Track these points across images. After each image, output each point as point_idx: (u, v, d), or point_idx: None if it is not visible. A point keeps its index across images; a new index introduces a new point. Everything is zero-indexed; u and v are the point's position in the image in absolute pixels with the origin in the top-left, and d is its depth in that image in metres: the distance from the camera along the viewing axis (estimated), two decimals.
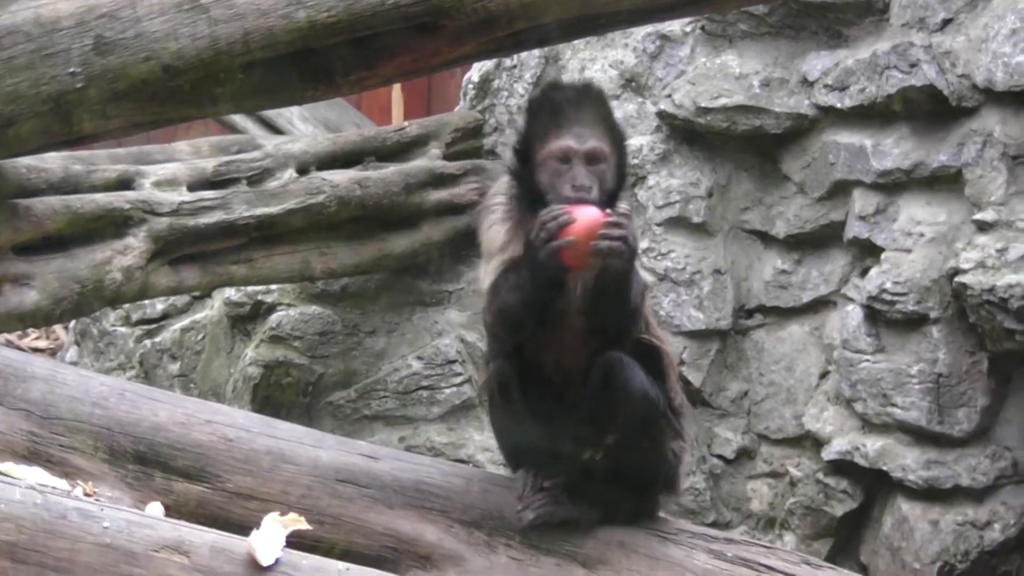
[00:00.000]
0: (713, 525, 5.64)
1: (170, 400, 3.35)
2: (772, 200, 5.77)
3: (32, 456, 3.18)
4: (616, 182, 3.30)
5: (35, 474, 3.11)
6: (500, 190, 3.42)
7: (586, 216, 3.15)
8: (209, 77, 3.81)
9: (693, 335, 5.75)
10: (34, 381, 3.27)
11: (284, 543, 2.98)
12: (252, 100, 4.07)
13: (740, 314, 5.81)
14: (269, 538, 2.99)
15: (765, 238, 5.80)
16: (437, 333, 6.04)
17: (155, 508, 3.19)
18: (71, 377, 3.32)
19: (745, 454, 5.80)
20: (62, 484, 3.12)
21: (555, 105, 3.30)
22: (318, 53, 3.81)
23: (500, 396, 3.36)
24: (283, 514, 3.11)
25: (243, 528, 3.09)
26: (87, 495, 3.10)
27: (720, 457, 5.80)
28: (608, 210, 3.17)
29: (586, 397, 3.26)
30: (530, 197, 3.30)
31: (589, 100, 3.31)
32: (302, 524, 3.10)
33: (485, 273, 3.34)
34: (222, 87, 3.84)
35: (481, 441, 5.88)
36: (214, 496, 3.26)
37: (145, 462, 3.24)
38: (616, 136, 3.31)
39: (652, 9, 3.73)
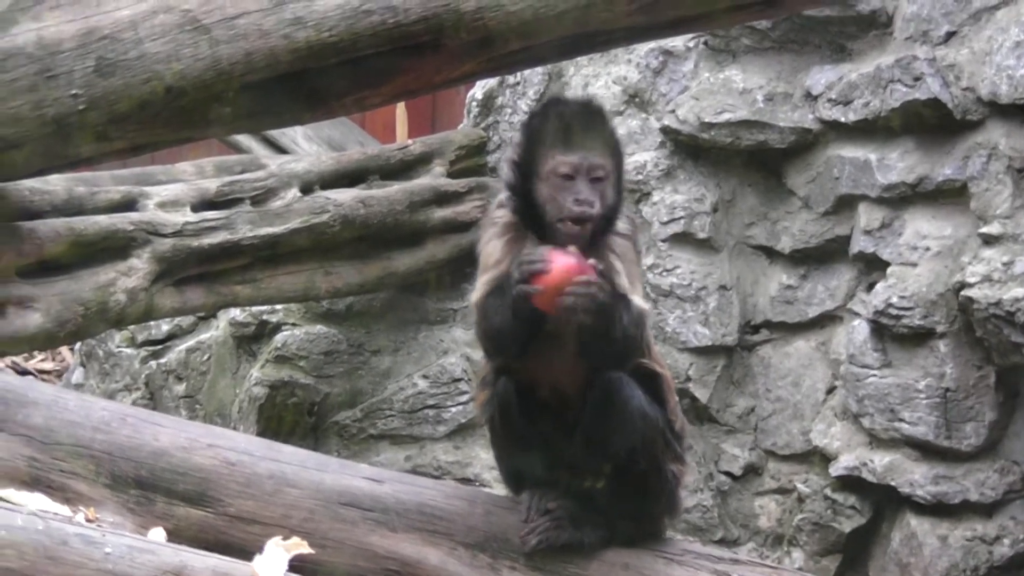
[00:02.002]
0: (721, 542, 5.62)
1: (172, 424, 3.33)
2: (777, 215, 5.76)
3: (33, 482, 3.16)
4: (616, 199, 3.28)
5: (36, 500, 3.09)
6: (500, 204, 3.42)
7: (562, 266, 3.13)
8: (211, 98, 3.80)
9: (699, 351, 5.74)
10: (35, 406, 3.25)
11: (287, 567, 2.97)
12: (254, 120, 4.06)
13: (746, 330, 5.79)
14: (272, 563, 2.98)
15: (770, 253, 5.78)
16: (442, 351, 6.03)
17: (157, 533, 3.17)
18: (73, 402, 3.30)
19: (752, 470, 5.78)
20: (63, 510, 3.10)
21: (558, 121, 3.29)
22: (320, 73, 3.80)
23: (499, 416, 3.35)
24: (286, 538, 3.09)
25: (245, 553, 3.08)
26: (89, 521, 3.08)
27: (727, 474, 5.78)
28: (593, 260, 3.14)
29: (584, 417, 3.24)
30: (529, 212, 3.29)
31: (591, 117, 3.31)
32: (304, 548, 3.08)
33: (476, 286, 3.34)
34: (224, 108, 3.82)
35: (487, 460, 5.86)
36: (216, 521, 3.24)
37: (147, 487, 3.22)
38: (616, 153, 3.31)
39: (650, 27, 3.71)
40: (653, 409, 3.27)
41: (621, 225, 3.30)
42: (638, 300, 3.22)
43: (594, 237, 3.24)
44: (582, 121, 3.29)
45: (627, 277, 3.24)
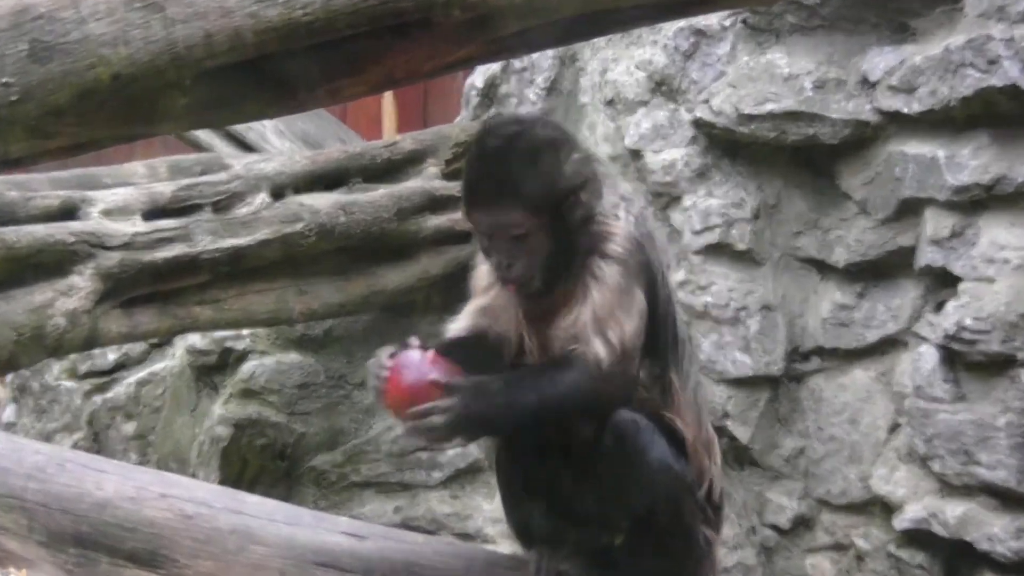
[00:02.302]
0: None
1: (118, 471, 3.33)
2: (829, 223, 5.75)
3: None
4: (567, 241, 3.23)
5: None
6: None
7: (397, 384, 3.19)
8: (165, 87, 3.80)
9: (739, 383, 5.74)
10: None
11: None
12: (215, 114, 4.05)
13: (794, 357, 5.79)
14: None
15: (822, 267, 5.78)
16: None
17: None
18: (2, 444, 3.30)
19: (802, 523, 5.77)
20: None
21: (469, 166, 3.29)
22: (291, 58, 3.80)
23: (503, 456, 3.36)
24: None
25: None
26: None
27: (773, 527, 5.77)
28: (434, 376, 3.16)
29: (598, 467, 3.24)
30: None
31: (510, 158, 3.23)
32: None
33: (460, 313, 3.38)
34: (180, 99, 3.82)
35: (491, 511, 5.85)
36: None
37: (88, 545, 3.22)
38: (552, 195, 3.21)
39: (671, 4, 3.70)
40: (680, 463, 3.25)
41: (612, 247, 3.26)
42: (595, 347, 3.17)
43: (549, 286, 3.25)
44: (496, 166, 3.24)
45: (601, 309, 3.20)
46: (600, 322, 3.20)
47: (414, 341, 3.28)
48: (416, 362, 3.24)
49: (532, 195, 3.21)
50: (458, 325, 3.41)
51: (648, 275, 3.24)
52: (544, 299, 3.28)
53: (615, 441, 3.21)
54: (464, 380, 3.18)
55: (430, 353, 3.26)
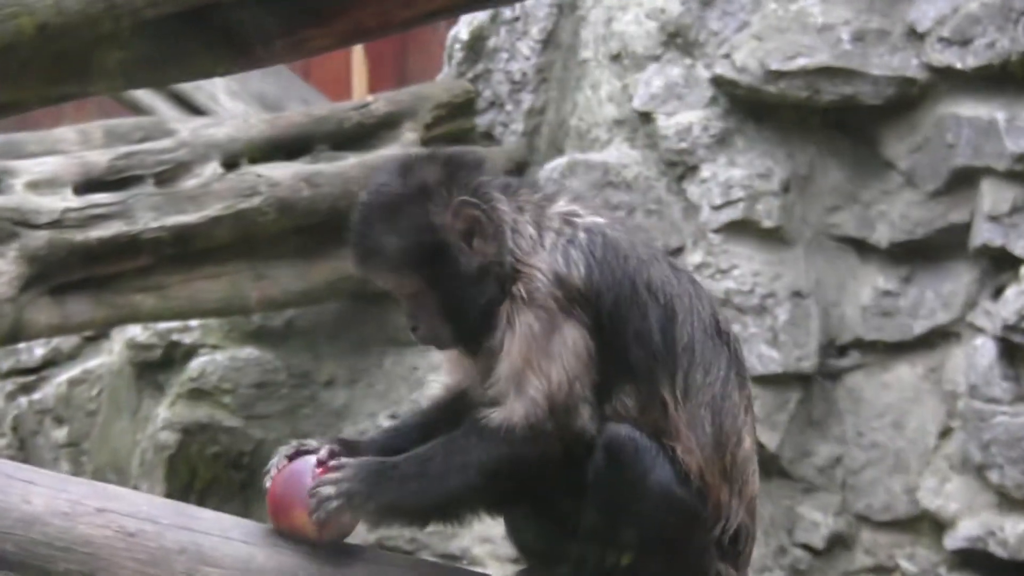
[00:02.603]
0: None
1: (48, 482, 3.33)
2: (870, 196, 5.77)
3: None
4: (469, 292, 3.29)
5: None
6: None
7: (276, 489, 3.32)
8: (98, 40, 3.82)
9: (766, 381, 5.74)
10: None
11: None
12: (155, 71, 4.07)
13: (829, 352, 5.81)
14: None
15: (862, 248, 5.80)
16: (416, 382, 6.04)
17: None
18: None
19: (840, 542, 5.79)
20: None
21: (351, 219, 3.36)
22: (246, 6, 3.82)
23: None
24: None
25: None
26: None
27: (805, 547, 5.79)
28: (309, 484, 3.26)
29: (590, 488, 3.25)
30: None
31: (375, 214, 3.32)
32: None
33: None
34: (115, 53, 3.85)
35: (480, 531, 5.86)
36: None
37: (14, 566, 3.22)
38: (418, 252, 3.28)
39: None
40: (686, 490, 3.26)
41: (526, 289, 3.26)
42: (508, 409, 3.20)
43: (471, 342, 3.33)
44: (362, 227, 3.33)
45: (517, 363, 3.24)
46: (516, 376, 3.25)
47: (312, 444, 3.35)
48: (297, 473, 3.32)
49: (396, 257, 3.29)
50: (436, 387, 3.46)
51: (594, 302, 3.26)
52: (480, 354, 3.34)
53: (606, 464, 3.22)
54: (353, 460, 3.26)
55: (316, 460, 3.32)
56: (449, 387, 3.44)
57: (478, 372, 3.37)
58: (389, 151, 5.97)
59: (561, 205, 3.36)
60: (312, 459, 3.32)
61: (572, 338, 3.25)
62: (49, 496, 3.30)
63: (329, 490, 3.24)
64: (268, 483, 3.34)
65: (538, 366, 3.26)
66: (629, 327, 3.29)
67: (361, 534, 6.01)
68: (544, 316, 3.26)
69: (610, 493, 3.26)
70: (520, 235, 3.32)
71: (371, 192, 3.36)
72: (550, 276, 3.27)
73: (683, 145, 5.81)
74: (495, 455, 3.26)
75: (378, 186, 3.36)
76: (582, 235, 3.31)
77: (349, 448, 3.34)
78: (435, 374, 3.47)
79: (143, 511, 3.34)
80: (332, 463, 3.27)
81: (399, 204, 3.32)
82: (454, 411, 3.39)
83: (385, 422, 6.02)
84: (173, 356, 6.19)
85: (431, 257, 3.31)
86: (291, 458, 3.34)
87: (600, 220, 3.33)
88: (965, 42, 5.59)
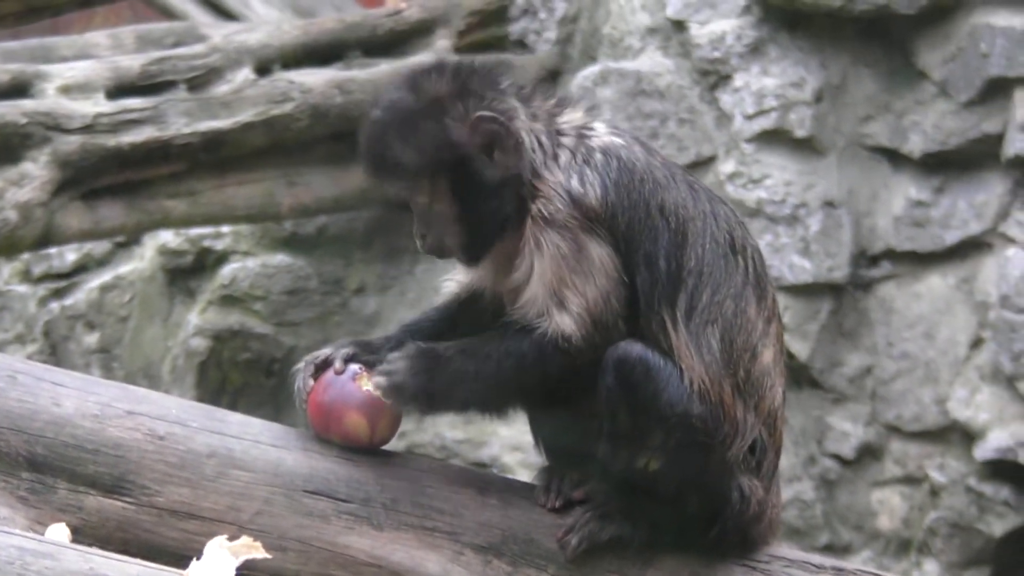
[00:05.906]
0: (827, 550, 5.63)
1: (78, 385, 3.32)
2: (903, 106, 5.75)
3: None
4: (484, 205, 3.29)
5: None
6: None
7: (322, 398, 3.31)
8: None
9: (797, 291, 5.74)
10: None
11: None
12: None
13: (861, 262, 5.80)
14: (214, 570, 2.98)
15: (894, 158, 5.78)
16: None
17: (58, 531, 3.18)
18: None
19: (869, 453, 5.79)
20: None
21: (361, 130, 3.36)
22: None
23: None
24: (232, 538, 3.10)
25: (179, 557, 3.07)
26: None
27: (835, 457, 5.79)
28: (356, 390, 3.28)
29: (600, 406, 3.26)
30: None
31: (391, 124, 3.30)
32: (258, 552, 3.09)
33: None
34: None
35: (509, 438, 5.88)
36: (139, 514, 3.24)
37: (44, 469, 3.22)
38: (437, 161, 3.28)
39: None
40: (702, 407, 3.25)
41: (546, 210, 3.27)
42: (558, 321, 3.21)
43: (478, 253, 3.34)
44: (377, 137, 3.33)
45: (552, 281, 3.25)
46: (555, 295, 3.27)
47: (340, 356, 3.33)
48: (340, 380, 3.32)
49: (414, 164, 3.28)
50: (450, 285, 3.45)
51: (610, 224, 3.26)
52: (491, 260, 3.35)
53: (616, 382, 3.23)
54: (400, 354, 3.27)
55: (356, 370, 3.31)
56: (464, 285, 3.45)
57: (488, 280, 3.40)
58: (421, 58, 5.97)
59: (575, 115, 3.36)
60: (354, 366, 3.32)
61: (599, 256, 3.28)
62: (79, 399, 3.29)
63: (397, 379, 3.24)
64: (305, 397, 3.32)
65: (573, 284, 3.29)
66: (640, 250, 3.31)
67: (391, 441, 6.04)
68: (569, 236, 3.28)
69: (620, 406, 3.27)
70: (536, 147, 3.32)
71: (384, 107, 3.35)
72: (566, 197, 3.30)
73: (716, 54, 5.80)
74: (547, 361, 3.28)
75: (391, 101, 3.34)
76: (598, 156, 3.32)
77: (367, 349, 3.35)
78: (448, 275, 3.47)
79: (173, 414, 3.33)
80: (386, 359, 3.27)
81: (414, 119, 3.31)
82: (472, 311, 3.42)
83: None
84: (204, 262, 6.20)
85: (451, 170, 3.31)
86: (319, 368, 3.33)
87: (617, 140, 3.34)
88: None
